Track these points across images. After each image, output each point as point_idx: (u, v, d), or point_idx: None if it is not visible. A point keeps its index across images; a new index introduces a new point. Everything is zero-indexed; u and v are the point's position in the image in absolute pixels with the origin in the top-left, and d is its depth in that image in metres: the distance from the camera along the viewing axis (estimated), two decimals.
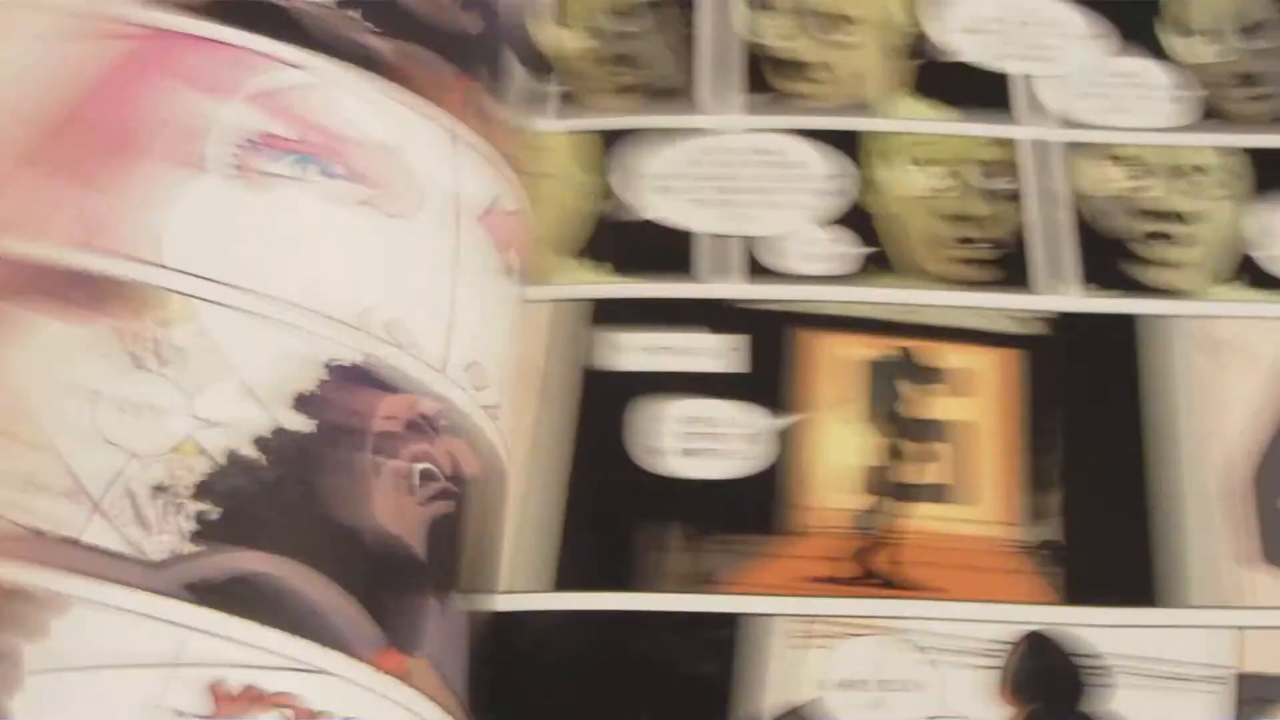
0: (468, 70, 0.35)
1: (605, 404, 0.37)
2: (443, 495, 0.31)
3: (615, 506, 0.35)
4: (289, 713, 0.28)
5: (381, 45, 0.34)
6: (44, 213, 0.30)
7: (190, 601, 0.27)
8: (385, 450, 0.30)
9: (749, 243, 0.39)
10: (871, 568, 0.34)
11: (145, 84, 0.32)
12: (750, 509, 0.35)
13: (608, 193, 0.40)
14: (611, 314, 0.38)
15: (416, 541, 0.30)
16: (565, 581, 0.34)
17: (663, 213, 0.40)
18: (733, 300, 0.38)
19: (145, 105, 0.32)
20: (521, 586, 0.34)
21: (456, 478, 0.31)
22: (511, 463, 0.35)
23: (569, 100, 0.42)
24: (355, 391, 0.30)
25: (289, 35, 0.33)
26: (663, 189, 0.40)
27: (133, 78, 0.32)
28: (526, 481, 0.35)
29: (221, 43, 0.33)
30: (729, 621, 0.33)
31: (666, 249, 0.39)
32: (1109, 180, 0.41)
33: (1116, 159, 0.41)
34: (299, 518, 0.29)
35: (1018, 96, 0.42)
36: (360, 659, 0.28)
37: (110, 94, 0.32)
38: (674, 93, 0.42)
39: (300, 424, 0.29)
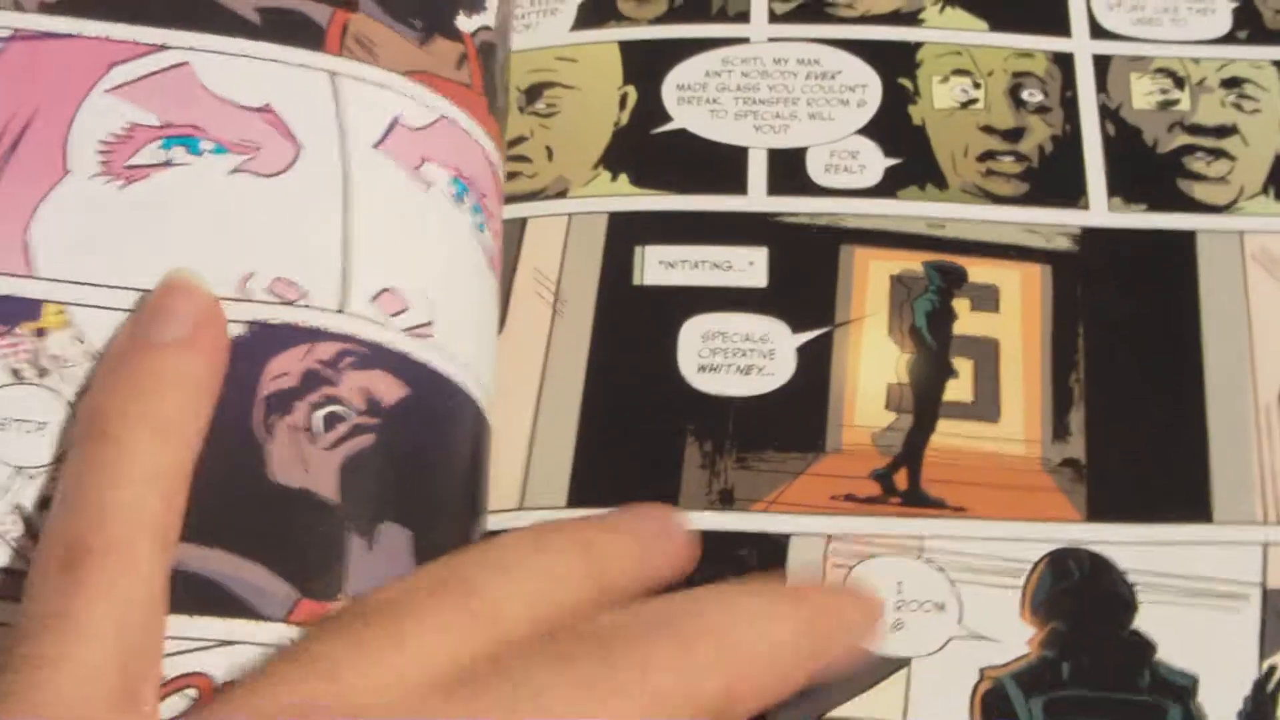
0: (343, 4, 0.36)
1: (624, 318, 0.36)
2: (356, 432, 0.31)
3: (633, 422, 0.35)
4: (193, 691, 0.28)
5: (243, 4, 0.35)
6: None
7: None
8: (278, 409, 0.31)
9: (774, 154, 0.39)
10: (892, 486, 0.34)
11: (5, 90, 0.33)
12: (769, 426, 0.35)
13: (631, 104, 0.40)
14: (631, 227, 0.38)
15: (326, 486, 0.30)
16: (579, 497, 0.34)
17: (687, 124, 0.39)
18: (756, 213, 0.38)
19: (6, 113, 0.33)
20: (535, 502, 0.34)
21: (375, 410, 0.31)
22: (498, 376, 0.35)
23: (592, 10, 0.41)
24: (236, 364, 0.31)
25: (148, 15, 0.34)
26: (687, 99, 0.40)
27: None
28: (541, 396, 0.35)
29: (80, 37, 0.34)
30: (747, 540, 0.33)
31: (690, 161, 0.39)
32: (1144, 93, 0.40)
33: (1153, 71, 0.40)
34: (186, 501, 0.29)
35: (1055, 8, 0.41)
36: (270, 619, 0.29)
37: None
38: (701, 1, 0.41)
39: None
